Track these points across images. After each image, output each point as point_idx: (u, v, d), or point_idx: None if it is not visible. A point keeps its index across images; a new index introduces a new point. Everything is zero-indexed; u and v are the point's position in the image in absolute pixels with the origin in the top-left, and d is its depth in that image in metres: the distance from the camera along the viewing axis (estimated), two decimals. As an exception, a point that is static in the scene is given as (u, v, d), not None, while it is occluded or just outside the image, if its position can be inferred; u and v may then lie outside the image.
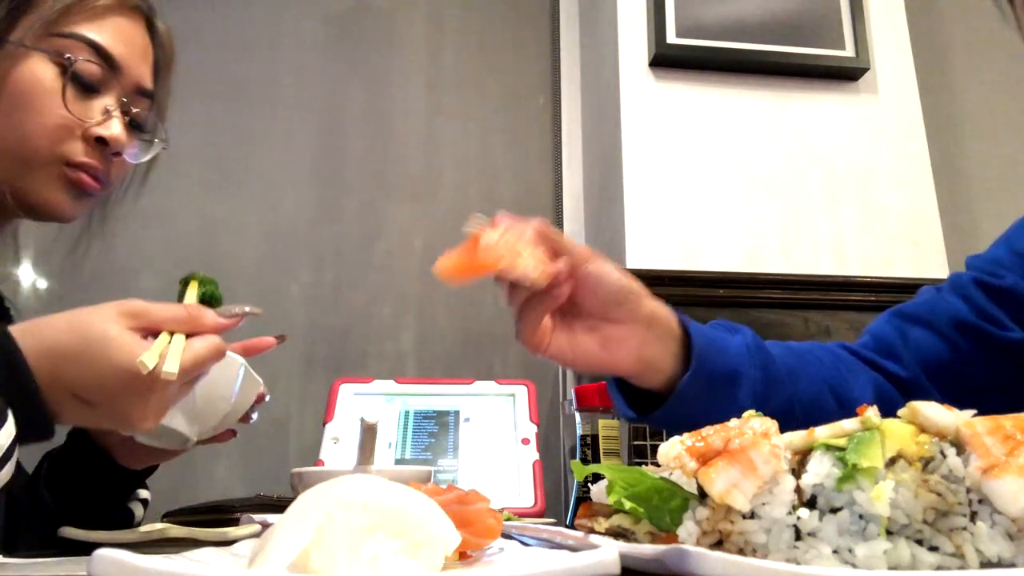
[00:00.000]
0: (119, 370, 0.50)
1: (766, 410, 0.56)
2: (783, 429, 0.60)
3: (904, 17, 1.72)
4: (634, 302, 0.63)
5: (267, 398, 0.74)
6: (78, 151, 0.70)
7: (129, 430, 0.59)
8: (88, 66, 0.70)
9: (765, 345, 0.69)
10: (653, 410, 0.65)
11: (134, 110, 0.76)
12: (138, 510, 0.82)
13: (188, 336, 0.54)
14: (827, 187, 1.57)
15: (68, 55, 0.69)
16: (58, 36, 0.69)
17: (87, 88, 0.71)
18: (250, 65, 1.85)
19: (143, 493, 0.83)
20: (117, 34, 0.73)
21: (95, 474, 0.74)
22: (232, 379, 0.65)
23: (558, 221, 1.86)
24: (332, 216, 1.79)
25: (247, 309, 0.60)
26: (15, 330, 0.50)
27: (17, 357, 0.48)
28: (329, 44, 1.90)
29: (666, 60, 1.60)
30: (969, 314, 0.72)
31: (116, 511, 0.79)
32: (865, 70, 1.62)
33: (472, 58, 1.95)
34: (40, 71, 0.68)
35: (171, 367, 0.51)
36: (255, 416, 0.74)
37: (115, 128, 0.72)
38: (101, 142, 0.71)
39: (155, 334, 0.53)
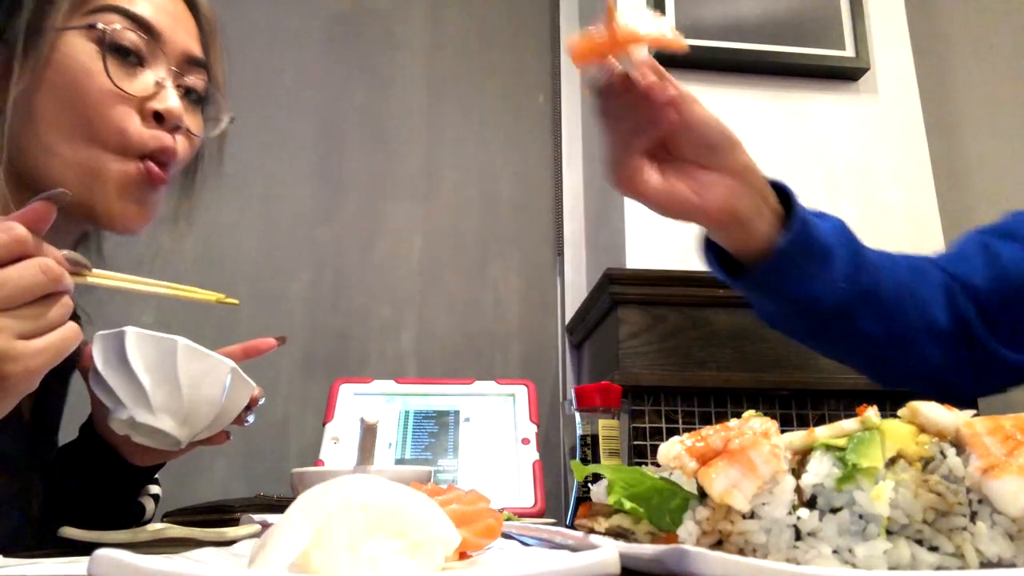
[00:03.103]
0: None
1: (855, 289, 0.64)
2: (867, 315, 0.66)
3: (904, 17, 1.72)
4: (730, 151, 0.63)
5: (262, 400, 0.74)
6: (146, 137, 0.66)
7: None
8: (124, 33, 0.66)
9: (852, 232, 0.69)
10: (742, 275, 0.65)
11: (188, 80, 0.72)
12: (149, 504, 0.82)
13: None
14: (827, 187, 1.57)
15: (100, 24, 0.64)
16: (88, 13, 0.65)
17: (129, 56, 0.66)
18: (250, 64, 1.85)
19: (154, 489, 0.84)
20: (148, 3, 0.69)
21: (103, 468, 0.75)
22: (221, 382, 0.65)
23: (558, 221, 1.86)
24: (332, 216, 1.79)
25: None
26: None
27: None
28: (329, 44, 1.90)
29: (666, 60, 1.59)
30: None
31: (126, 504, 0.79)
32: (865, 70, 1.62)
33: (472, 58, 1.95)
34: (77, 49, 0.64)
35: None
36: (251, 419, 0.74)
37: (170, 99, 0.68)
38: (158, 118, 0.67)
39: None
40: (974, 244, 0.75)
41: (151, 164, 0.67)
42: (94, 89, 0.64)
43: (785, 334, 0.74)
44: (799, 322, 0.70)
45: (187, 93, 0.73)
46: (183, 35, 0.72)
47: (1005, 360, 0.70)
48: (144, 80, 0.68)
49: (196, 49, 0.74)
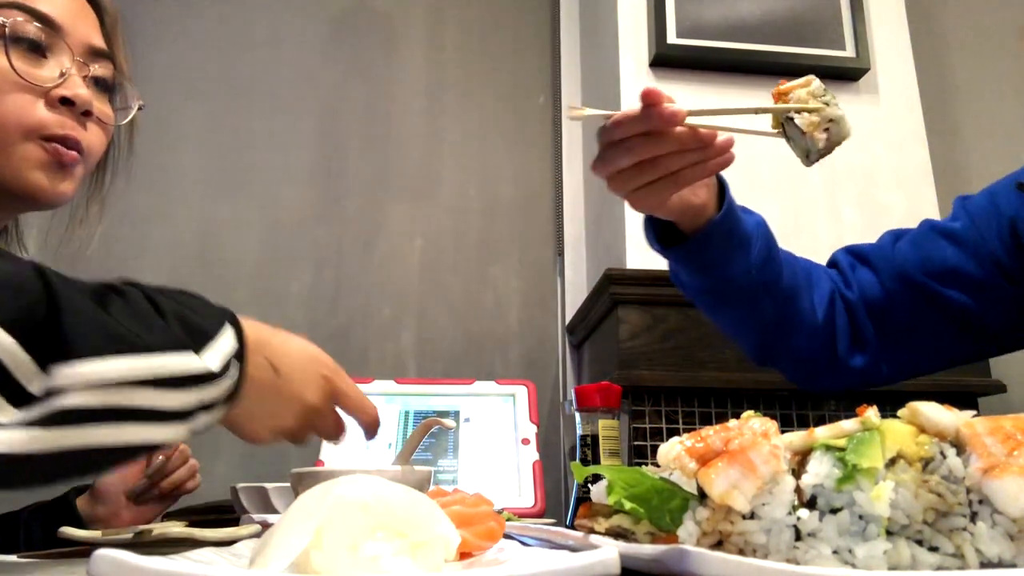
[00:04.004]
0: (314, 354, 0.59)
1: (762, 276, 0.76)
2: (766, 300, 0.78)
3: (904, 17, 1.72)
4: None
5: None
6: (48, 120, 0.67)
7: (294, 414, 0.60)
8: (24, 26, 0.67)
9: (771, 231, 0.80)
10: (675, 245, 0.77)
11: (93, 69, 0.73)
12: None
13: None
14: (827, 187, 1.57)
15: (1, 19, 0.66)
16: None
17: (32, 49, 0.68)
18: (250, 65, 1.85)
19: None
20: (46, 0, 0.70)
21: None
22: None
23: (558, 221, 1.86)
24: (332, 216, 1.79)
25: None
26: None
27: (231, 313, 0.53)
28: (329, 44, 1.90)
29: (666, 60, 1.60)
30: (917, 268, 0.81)
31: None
32: (865, 70, 1.62)
33: (472, 58, 1.95)
34: None
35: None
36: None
37: (76, 86, 0.69)
38: (67, 103, 0.69)
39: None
40: (846, 263, 0.87)
41: (57, 145, 0.68)
42: None
43: (695, 302, 0.84)
44: (711, 296, 0.81)
45: (95, 83, 0.74)
46: (84, 27, 0.73)
47: (846, 362, 0.82)
48: (48, 70, 0.68)
49: (98, 41, 0.74)
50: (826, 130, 0.65)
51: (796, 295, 0.81)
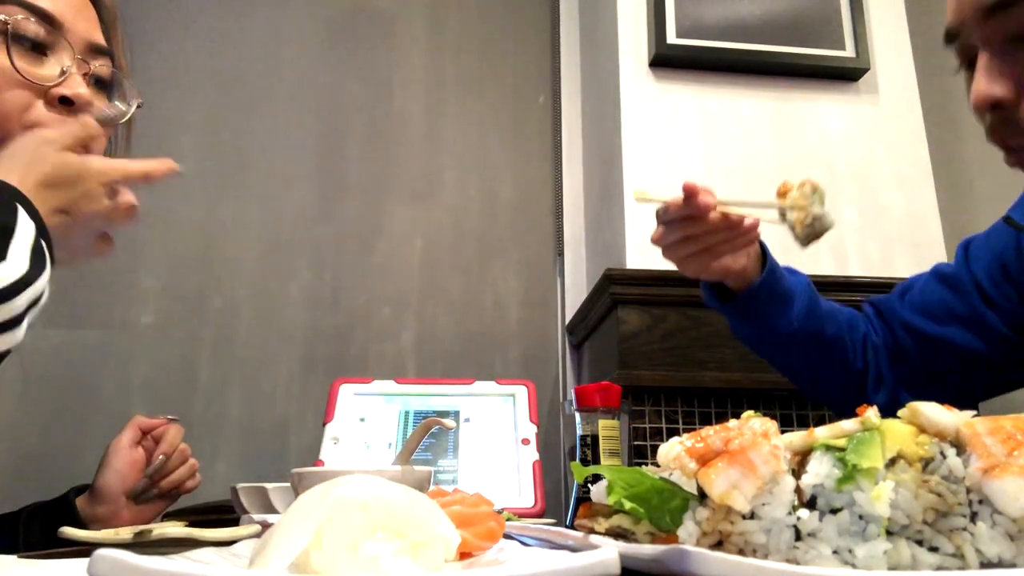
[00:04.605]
0: (72, 167, 0.58)
1: (804, 327, 0.91)
2: (811, 346, 0.91)
3: (904, 17, 1.72)
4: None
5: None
6: (46, 119, 0.66)
7: (100, 226, 0.61)
8: (25, 23, 0.66)
9: (814, 289, 0.94)
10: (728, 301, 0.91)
11: (93, 66, 0.72)
12: None
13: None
14: (827, 187, 1.56)
15: (2, 16, 0.65)
16: None
17: (33, 48, 0.67)
18: (250, 65, 1.85)
19: None
20: None
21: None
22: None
23: (558, 221, 1.86)
24: (332, 216, 1.79)
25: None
26: None
27: (14, 191, 0.53)
28: (329, 44, 1.90)
29: (666, 60, 1.60)
30: (919, 315, 0.91)
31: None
32: (865, 70, 1.62)
33: (472, 58, 1.95)
34: None
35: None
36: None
37: (77, 86, 0.69)
38: (66, 102, 0.68)
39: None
40: (871, 311, 0.98)
41: None
42: None
43: (755, 351, 0.98)
44: (764, 344, 0.95)
45: (95, 81, 0.74)
46: (85, 24, 0.72)
47: (870, 399, 0.92)
48: (49, 68, 0.68)
49: (99, 37, 0.74)
50: (811, 224, 0.81)
51: (839, 342, 0.93)
